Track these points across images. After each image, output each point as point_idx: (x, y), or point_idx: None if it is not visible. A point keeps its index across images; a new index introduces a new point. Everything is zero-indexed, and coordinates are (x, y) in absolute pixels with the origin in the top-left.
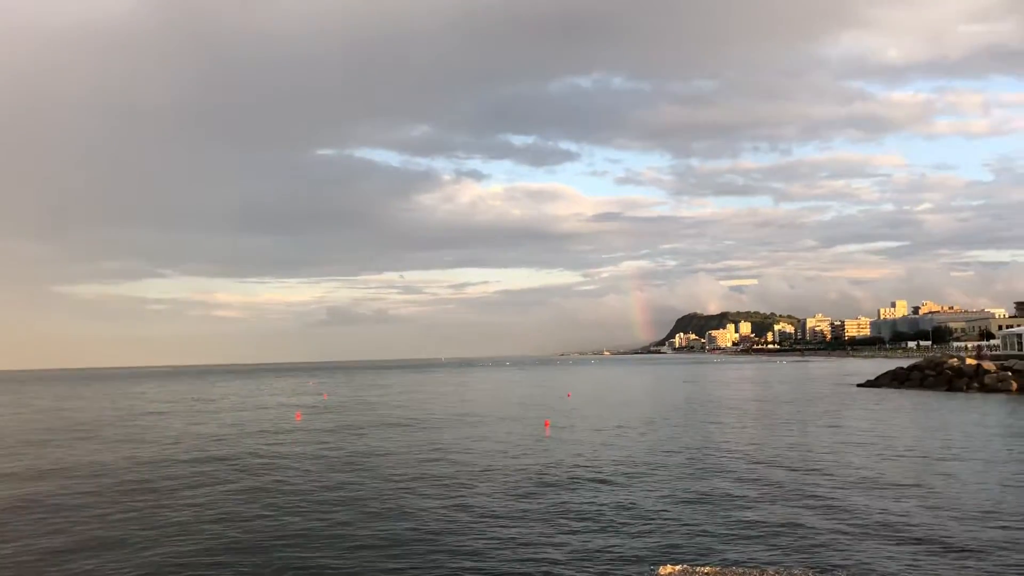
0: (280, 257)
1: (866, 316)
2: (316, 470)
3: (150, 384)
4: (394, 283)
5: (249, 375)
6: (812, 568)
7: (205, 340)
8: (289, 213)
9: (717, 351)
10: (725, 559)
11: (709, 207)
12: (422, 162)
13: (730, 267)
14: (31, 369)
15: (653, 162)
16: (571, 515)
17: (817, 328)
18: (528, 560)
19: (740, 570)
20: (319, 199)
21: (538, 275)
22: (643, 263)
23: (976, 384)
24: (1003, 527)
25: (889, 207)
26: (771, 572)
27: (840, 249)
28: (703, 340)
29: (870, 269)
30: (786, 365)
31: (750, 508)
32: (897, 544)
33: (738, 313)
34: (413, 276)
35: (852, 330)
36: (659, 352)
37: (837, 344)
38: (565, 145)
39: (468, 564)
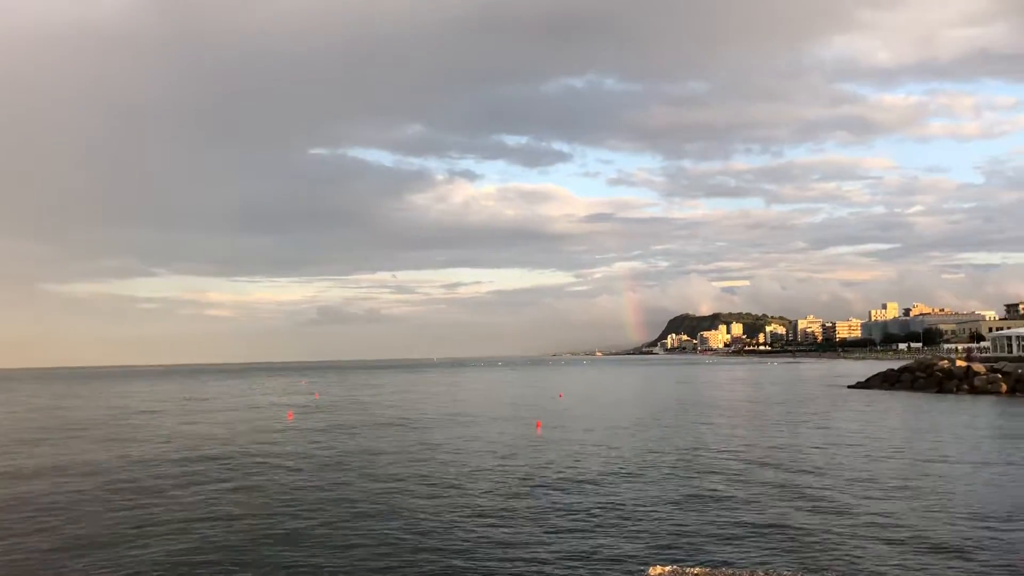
0: (272, 256)
1: (857, 318)
2: (307, 469)
3: (142, 383)
4: (386, 283)
5: (241, 374)
6: (802, 568)
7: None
8: (281, 212)
9: (709, 352)
10: (715, 559)
11: (701, 208)
12: (415, 162)
13: (722, 268)
14: (22, 368)
15: (645, 163)
16: (562, 515)
17: (808, 329)
18: (518, 560)
19: (730, 571)
20: (312, 198)
21: (530, 275)
22: (635, 264)
23: (966, 386)
24: (991, 528)
25: (880, 209)
26: (761, 573)
27: (832, 251)
28: (695, 341)
29: (861, 271)
30: (777, 366)
31: (741, 508)
32: (886, 544)
33: (730, 314)
34: (405, 276)
35: (843, 332)
36: (651, 353)
37: (828, 346)
38: (558, 146)
39: (459, 563)
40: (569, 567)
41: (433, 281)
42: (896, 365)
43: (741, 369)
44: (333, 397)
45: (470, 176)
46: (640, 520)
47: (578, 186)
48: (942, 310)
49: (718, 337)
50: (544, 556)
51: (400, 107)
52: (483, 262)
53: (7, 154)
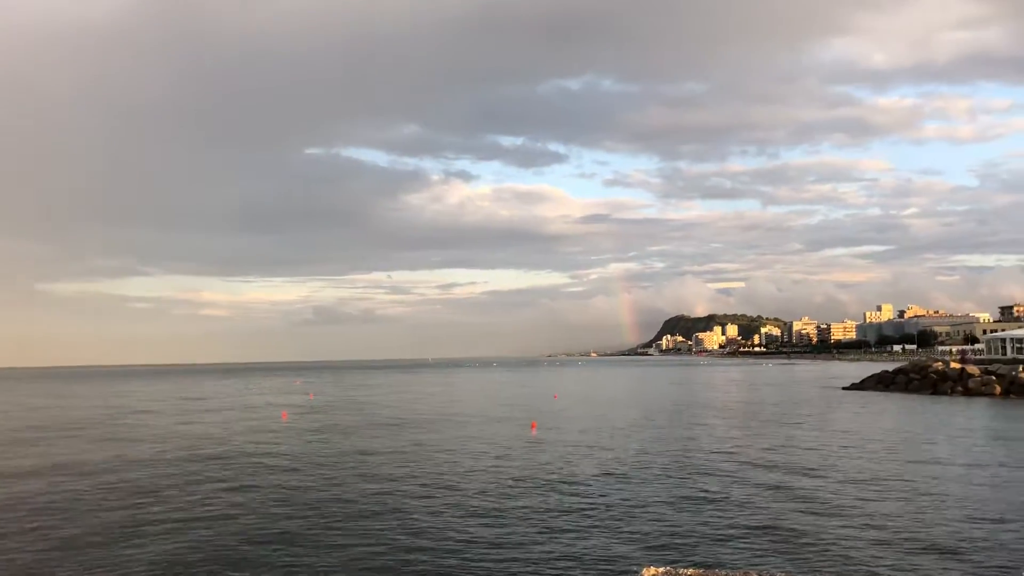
0: (267, 256)
1: (852, 319)
2: (302, 469)
3: (136, 383)
4: (381, 283)
5: (235, 374)
6: (796, 569)
7: (191, 339)
8: (276, 212)
9: (704, 353)
10: (709, 560)
11: (696, 210)
12: (410, 162)
13: (717, 270)
14: (15, 367)
15: (641, 164)
16: (556, 516)
17: (803, 331)
18: (512, 560)
19: (724, 571)
20: (307, 198)
21: (526, 276)
22: (630, 265)
23: (960, 388)
24: (984, 529)
25: (875, 211)
26: (754, 573)
27: (827, 253)
28: (690, 342)
29: (856, 273)
30: (772, 368)
31: (734, 509)
32: (879, 545)
33: (725, 316)
34: (400, 276)
35: (838, 333)
36: (646, 354)
37: (823, 347)
38: (554, 147)
39: (452, 563)
40: (563, 568)
41: (428, 281)
42: (891, 367)
43: (736, 370)
44: (328, 397)
45: (466, 176)
46: (634, 521)
47: (574, 187)
48: (937, 312)
49: (713, 338)
50: (538, 557)
51: (396, 107)
52: (478, 263)
53: (3, 154)
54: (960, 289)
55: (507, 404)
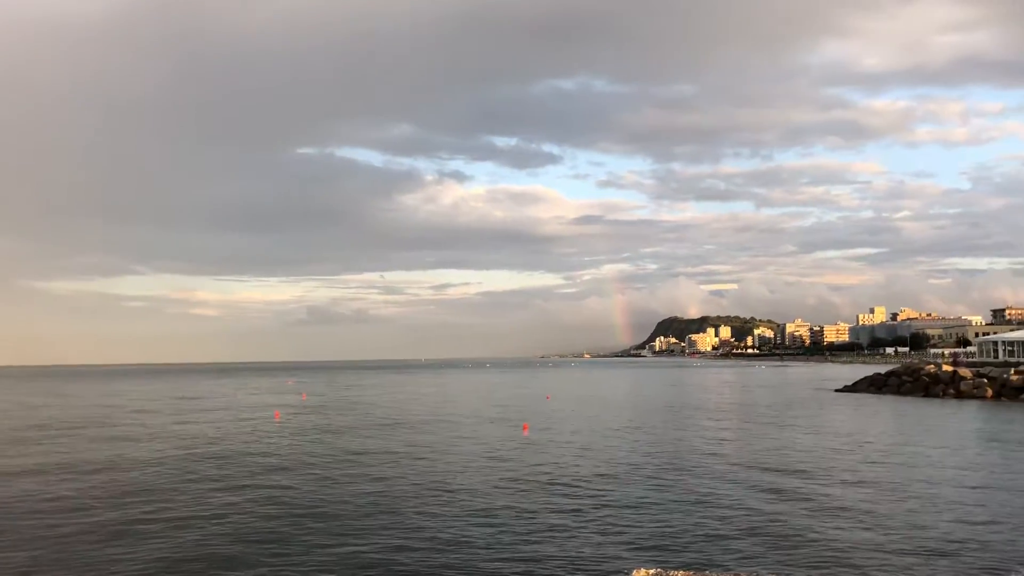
0: (259, 255)
1: (845, 322)
2: (294, 469)
3: (131, 382)
4: (375, 283)
5: (228, 374)
6: (787, 570)
7: (183, 338)
8: (269, 211)
9: (697, 355)
10: (700, 561)
11: (690, 211)
12: (404, 162)
13: (710, 271)
14: (8, 366)
15: (635, 166)
16: (546, 516)
17: (796, 333)
18: (502, 561)
19: (714, 572)
20: (300, 198)
21: (519, 277)
22: (624, 266)
23: (952, 390)
24: (975, 530)
25: (868, 214)
26: (744, 574)
27: (820, 255)
28: (683, 344)
29: (849, 275)
30: (765, 370)
31: (726, 510)
32: (870, 545)
33: (718, 317)
34: (394, 276)
35: (831, 335)
36: (639, 355)
37: (816, 349)
38: (548, 148)
39: (442, 563)
40: (553, 568)
41: (422, 282)
42: (883, 369)
43: (729, 372)
44: (321, 397)
45: (459, 177)
46: (625, 522)
47: (568, 188)
48: (929, 315)
49: (706, 340)
50: (528, 557)
51: (390, 107)
52: (472, 263)
53: None
54: (952, 292)
55: (500, 405)
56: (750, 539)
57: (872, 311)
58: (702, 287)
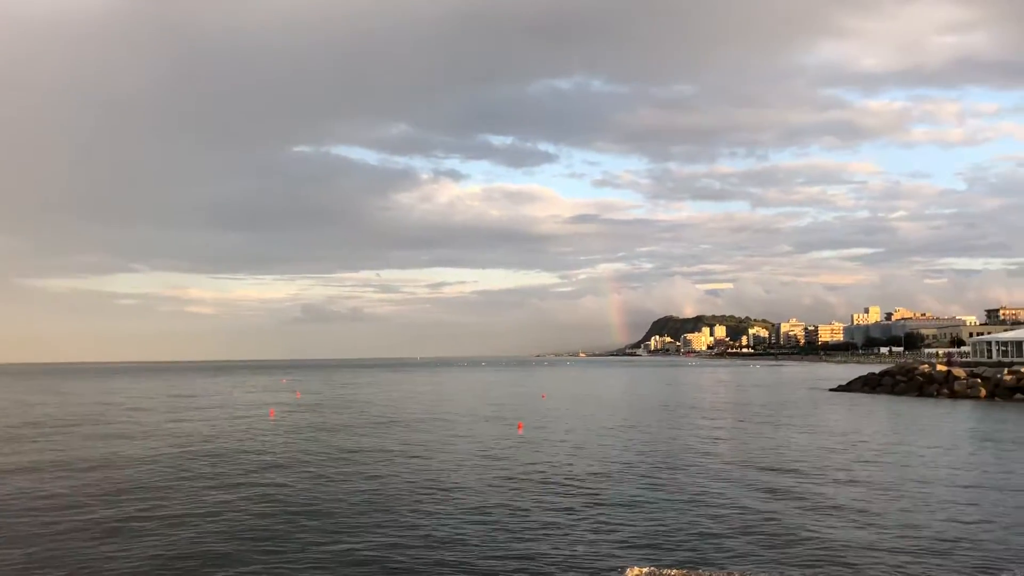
0: (255, 253)
1: (840, 321)
2: (288, 466)
3: (125, 380)
4: (370, 282)
5: (223, 372)
6: (780, 569)
7: (178, 336)
8: (264, 209)
9: (692, 354)
10: (693, 560)
11: (686, 211)
12: (400, 161)
13: (706, 271)
14: (3, 363)
15: (631, 165)
16: (539, 515)
17: (791, 333)
18: (495, 559)
19: (708, 571)
20: (295, 196)
21: (515, 276)
22: (620, 265)
23: (946, 390)
24: (968, 529)
25: (864, 214)
26: (737, 573)
27: (815, 255)
28: (678, 343)
29: (844, 275)
30: (760, 369)
31: (720, 509)
32: (863, 545)
33: (713, 317)
34: (389, 275)
35: (826, 335)
36: (634, 354)
37: (811, 349)
38: (544, 147)
39: (435, 559)
40: (546, 567)
41: (417, 280)
42: (877, 369)
43: (724, 371)
44: (315, 396)
45: (455, 176)
46: (618, 520)
47: (564, 187)
48: (924, 315)
49: (701, 339)
50: (522, 555)
51: (386, 106)
52: (468, 262)
53: None
54: (947, 292)
55: (495, 403)
56: (743, 537)
57: (867, 311)
58: (697, 286)
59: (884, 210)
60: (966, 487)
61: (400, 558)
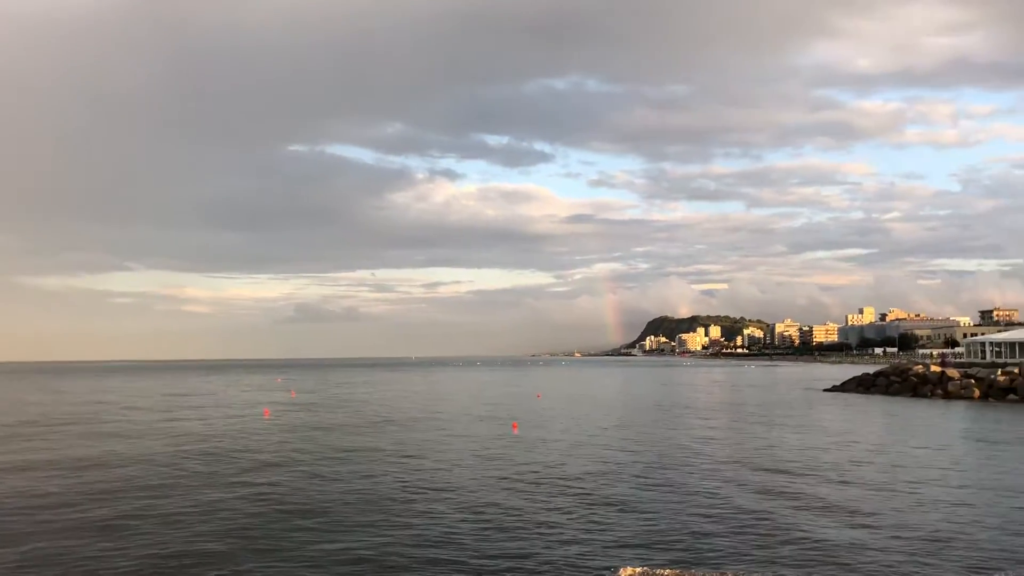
0: (250, 253)
1: (834, 322)
2: (283, 466)
3: (120, 379)
4: (365, 281)
5: (218, 371)
6: (774, 568)
7: (173, 335)
8: (260, 208)
9: (687, 354)
10: (686, 559)
11: (681, 211)
12: (396, 160)
13: (701, 271)
14: None
15: (626, 165)
16: (534, 514)
17: (786, 333)
18: (490, 558)
19: (701, 571)
20: (290, 195)
21: (511, 276)
22: (615, 265)
23: (940, 391)
24: (961, 529)
25: (858, 215)
26: (731, 573)
27: (810, 255)
28: (673, 343)
29: (839, 276)
30: (755, 369)
31: (714, 509)
32: (857, 544)
33: (708, 317)
34: (385, 274)
35: (820, 336)
36: (630, 354)
37: (805, 349)
38: (539, 146)
39: (429, 559)
40: (540, 566)
41: (413, 280)
42: (872, 369)
43: (719, 371)
44: (310, 395)
45: (451, 175)
46: (612, 520)
47: (559, 187)
48: (918, 315)
49: (696, 339)
50: (515, 554)
51: (381, 105)
52: (463, 261)
53: None
54: (941, 293)
55: (490, 403)
56: (737, 537)
57: (861, 312)
58: (693, 287)
59: (878, 211)
60: (959, 487)
61: (394, 556)
